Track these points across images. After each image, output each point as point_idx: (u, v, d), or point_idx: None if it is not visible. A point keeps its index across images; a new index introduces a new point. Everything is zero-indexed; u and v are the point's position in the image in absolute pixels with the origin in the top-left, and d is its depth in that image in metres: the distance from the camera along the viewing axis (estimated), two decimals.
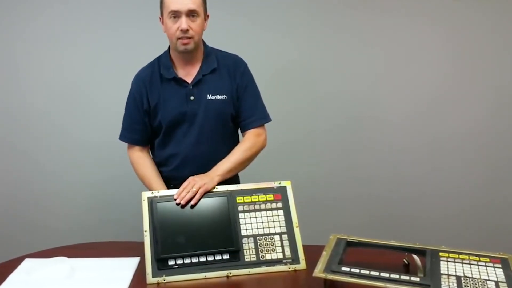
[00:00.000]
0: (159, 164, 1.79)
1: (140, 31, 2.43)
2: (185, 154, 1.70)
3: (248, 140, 1.71)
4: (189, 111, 1.67)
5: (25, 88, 2.53)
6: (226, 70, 1.70)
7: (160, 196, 1.51)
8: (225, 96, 1.69)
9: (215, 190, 1.54)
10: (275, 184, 1.56)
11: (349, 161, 2.60)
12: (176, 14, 1.55)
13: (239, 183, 1.79)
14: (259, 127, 1.74)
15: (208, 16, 1.67)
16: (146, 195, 1.52)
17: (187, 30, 1.56)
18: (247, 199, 1.53)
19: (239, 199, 1.52)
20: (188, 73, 1.68)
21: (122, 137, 1.78)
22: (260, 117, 1.74)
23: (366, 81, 2.52)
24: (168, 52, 1.72)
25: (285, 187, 1.56)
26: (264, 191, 1.55)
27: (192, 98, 1.66)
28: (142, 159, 1.76)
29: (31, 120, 2.55)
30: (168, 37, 1.64)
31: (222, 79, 1.69)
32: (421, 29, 2.45)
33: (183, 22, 1.55)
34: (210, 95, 1.67)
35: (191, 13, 1.56)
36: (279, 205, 1.53)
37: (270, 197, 1.54)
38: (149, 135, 1.77)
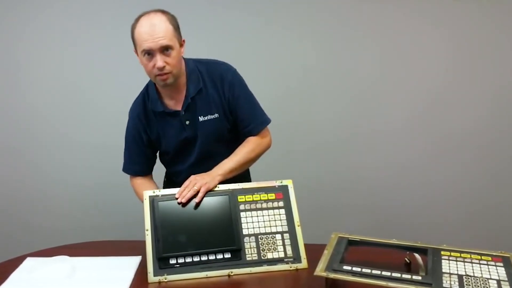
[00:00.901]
0: (171, 175, 1.83)
1: None
2: (190, 172, 1.66)
3: (252, 142, 1.69)
4: (189, 135, 1.66)
5: (25, 89, 2.53)
6: (213, 85, 1.64)
7: (162, 195, 1.51)
8: (216, 115, 1.65)
9: (216, 189, 1.54)
10: (276, 183, 1.56)
11: (350, 160, 2.60)
12: (149, 52, 1.49)
13: (250, 180, 1.81)
14: (261, 131, 1.72)
15: (184, 41, 1.59)
16: (147, 194, 1.52)
17: (164, 67, 1.50)
18: (249, 198, 1.53)
19: (241, 198, 1.52)
20: (177, 100, 1.64)
21: (125, 169, 1.78)
22: (260, 122, 1.71)
23: (366, 82, 2.52)
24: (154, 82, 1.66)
25: (286, 186, 1.56)
26: (266, 190, 1.55)
27: (187, 122, 1.64)
28: (142, 185, 1.72)
29: (32, 121, 2.56)
30: (146, 72, 1.58)
31: (211, 97, 1.64)
32: (423, 30, 2.46)
33: (158, 60, 1.48)
34: (202, 117, 1.64)
35: (164, 49, 1.49)
36: (281, 204, 1.53)
37: (272, 196, 1.54)
38: (151, 164, 1.79)
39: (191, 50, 1.67)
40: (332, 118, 2.56)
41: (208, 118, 1.65)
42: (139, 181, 1.75)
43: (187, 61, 1.66)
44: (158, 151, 1.79)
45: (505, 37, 2.43)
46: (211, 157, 1.67)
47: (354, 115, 2.55)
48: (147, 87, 1.70)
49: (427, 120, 2.53)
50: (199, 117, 1.64)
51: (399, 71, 2.51)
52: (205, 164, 1.64)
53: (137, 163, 1.75)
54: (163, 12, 1.53)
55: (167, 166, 1.82)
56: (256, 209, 1.51)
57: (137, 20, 1.53)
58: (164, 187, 1.83)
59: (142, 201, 1.53)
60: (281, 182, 1.56)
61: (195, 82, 1.63)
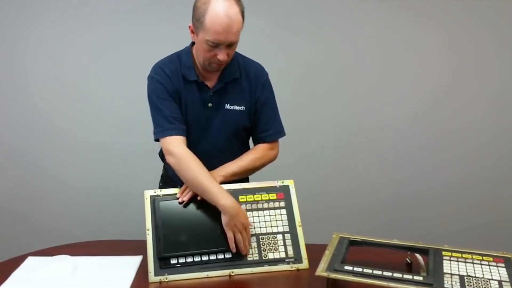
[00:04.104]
0: (168, 175, 1.74)
1: (141, 32, 2.43)
2: None
3: (260, 150, 1.66)
4: (204, 118, 1.60)
5: (27, 89, 2.54)
6: (247, 80, 1.61)
7: (163, 195, 1.51)
8: (243, 107, 1.61)
9: None
10: (278, 183, 1.56)
11: (351, 160, 2.61)
12: (215, 45, 1.43)
13: (248, 179, 1.77)
14: (273, 141, 1.69)
15: None
16: (148, 193, 1.52)
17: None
18: (250, 198, 1.53)
19: (242, 198, 1.52)
20: (210, 78, 1.58)
21: (165, 133, 1.52)
22: (276, 132, 1.68)
23: (368, 82, 2.52)
24: (190, 50, 1.59)
25: (288, 186, 1.56)
26: (267, 190, 1.55)
27: (210, 105, 1.59)
28: (190, 157, 1.49)
29: (33, 121, 2.56)
30: (197, 53, 1.52)
31: (242, 90, 1.60)
32: (424, 30, 2.46)
33: (222, 54, 1.44)
34: (228, 105, 1.60)
35: (231, 44, 1.45)
36: (282, 204, 1.53)
37: (273, 196, 1.54)
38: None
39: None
40: (333, 118, 2.56)
41: (235, 108, 1.61)
42: (187, 152, 1.50)
43: None
44: None
45: (506, 36, 2.43)
46: (219, 153, 1.61)
47: (355, 116, 2.55)
48: (179, 54, 1.60)
49: (429, 121, 2.53)
50: (226, 105, 1.60)
51: (400, 73, 2.51)
52: (212, 160, 1.57)
53: (177, 121, 1.54)
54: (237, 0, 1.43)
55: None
56: (257, 209, 1.51)
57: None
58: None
59: (186, 182, 1.46)
60: (283, 182, 1.57)
61: (233, 70, 1.59)
